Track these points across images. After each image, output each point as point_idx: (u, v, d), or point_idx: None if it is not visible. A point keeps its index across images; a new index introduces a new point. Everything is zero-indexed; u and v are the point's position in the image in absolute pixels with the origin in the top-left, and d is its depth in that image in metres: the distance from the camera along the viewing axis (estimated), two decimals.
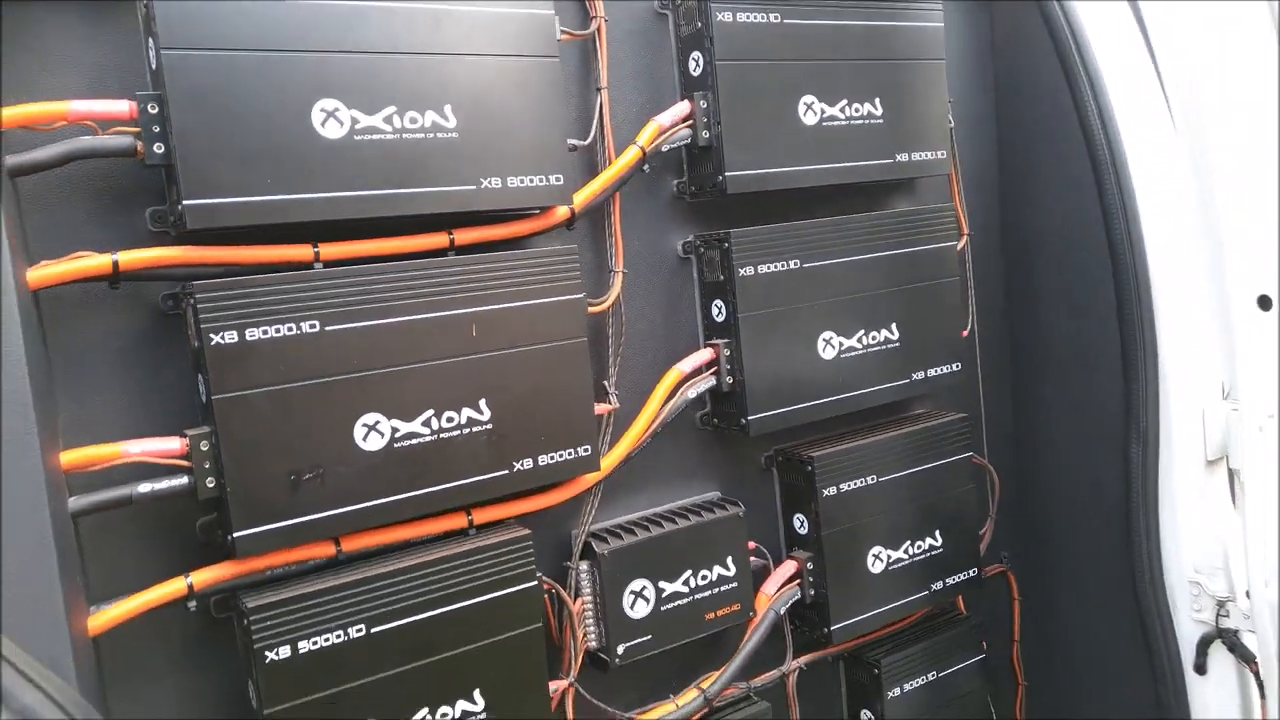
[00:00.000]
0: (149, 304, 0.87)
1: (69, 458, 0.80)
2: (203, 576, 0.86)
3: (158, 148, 0.79)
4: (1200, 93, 1.15)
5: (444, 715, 0.94)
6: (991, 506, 1.39)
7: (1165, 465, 1.26)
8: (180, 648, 0.89)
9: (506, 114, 0.93)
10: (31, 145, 0.79)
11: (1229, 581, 1.26)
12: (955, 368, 1.26)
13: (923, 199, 1.31)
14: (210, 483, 0.84)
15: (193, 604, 0.86)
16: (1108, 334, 1.25)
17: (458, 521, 0.97)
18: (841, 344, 1.16)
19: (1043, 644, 1.48)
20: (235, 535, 0.83)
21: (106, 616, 0.82)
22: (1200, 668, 1.30)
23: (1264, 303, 1.15)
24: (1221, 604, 1.27)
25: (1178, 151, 1.21)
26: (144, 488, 0.83)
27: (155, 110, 0.79)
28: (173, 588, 0.85)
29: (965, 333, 1.30)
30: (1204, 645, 1.29)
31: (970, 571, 1.30)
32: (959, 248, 1.29)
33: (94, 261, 0.80)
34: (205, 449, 0.83)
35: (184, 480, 0.84)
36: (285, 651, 0.86)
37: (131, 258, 0.81)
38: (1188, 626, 1.30)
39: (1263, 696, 1.25)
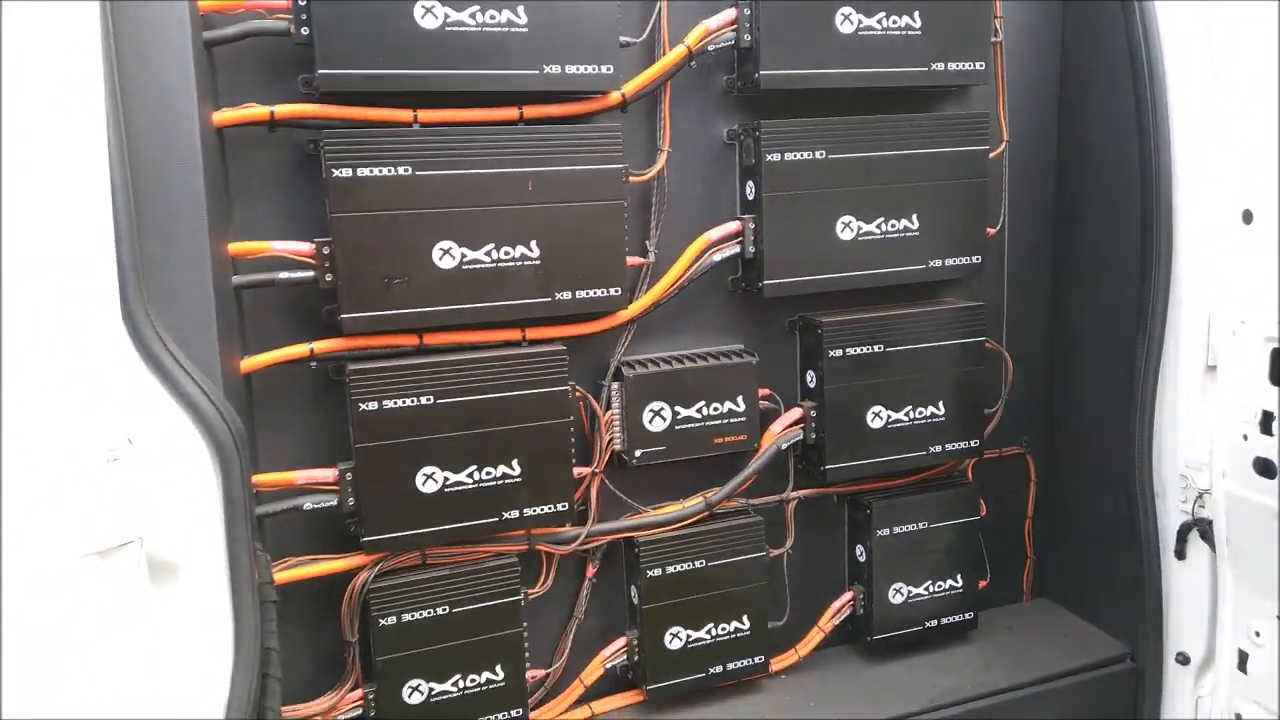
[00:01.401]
0: (296, 145, 1.33)
1: (235, 247, 1.28)
2: (321, 345, 1.34)
3: (304, 30, 1.25)
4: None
5: (488, 473, 1.39)
6: (1003, 389, 1.72)
7: (1170, 366, 1.55)
8: (305, 395, 1.37)
9: (569, 12, 1.32)
10: (222, 25, 1.25)
11: (1210, 475, 1.56)
12: (975, 260, 1.60)
13: (976, 109, 1.63)
14: (328, 278, 1.30)
15: (313, 364, 1.34)
16: (1132, 244, 1.55)
17: (514, 335, 1.42)
18: (860, 228, 1.53)
19: (1053, 523, 1.83)
20: (343, 316, 1.31)
21: (253, 361, 1.32)
22: (1180, 553, 1.60)
23: (1246, 216, 1.44)
24: (1200, 495, 1.57)
25: (1209, 73, 1.49)
26: (283, 275, 1.31)
27: (303, 1, 1.25)
28: (299, 350, 1.33)
29: (992, 231, 1.63)
30: (1183, 533, 1.58)
31: (971, 442, 1.65)
32: (994, 153, 1.62)
33: (258, 111, 1.26)
34: (326, 253, 1.30)
35: (310, 274, 1.31)
36: (373, 406, 1.33)
37: (284, 110, 1.28)
38: (1174, 516, 1.60)
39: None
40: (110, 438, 0.99)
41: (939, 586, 1.71)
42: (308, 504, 1.35)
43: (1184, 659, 1.62)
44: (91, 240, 0.97)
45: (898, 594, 1.69)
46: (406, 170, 1.30)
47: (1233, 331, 1.46)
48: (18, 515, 0.87)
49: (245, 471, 1.10)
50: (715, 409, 1.52)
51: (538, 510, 1.42)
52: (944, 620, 1.73)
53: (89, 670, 0.92)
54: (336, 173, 1.27)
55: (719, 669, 1.60)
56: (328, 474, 1.35)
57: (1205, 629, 1.60)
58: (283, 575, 1.33)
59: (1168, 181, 1.47)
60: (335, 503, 1.35)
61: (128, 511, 0.99)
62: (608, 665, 1.59)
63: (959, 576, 1.72)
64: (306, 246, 1.31)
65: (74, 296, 0.96)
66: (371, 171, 1.28)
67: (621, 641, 1.60)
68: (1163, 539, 1.61)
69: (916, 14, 1.50)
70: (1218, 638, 1.58)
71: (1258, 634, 1.49)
